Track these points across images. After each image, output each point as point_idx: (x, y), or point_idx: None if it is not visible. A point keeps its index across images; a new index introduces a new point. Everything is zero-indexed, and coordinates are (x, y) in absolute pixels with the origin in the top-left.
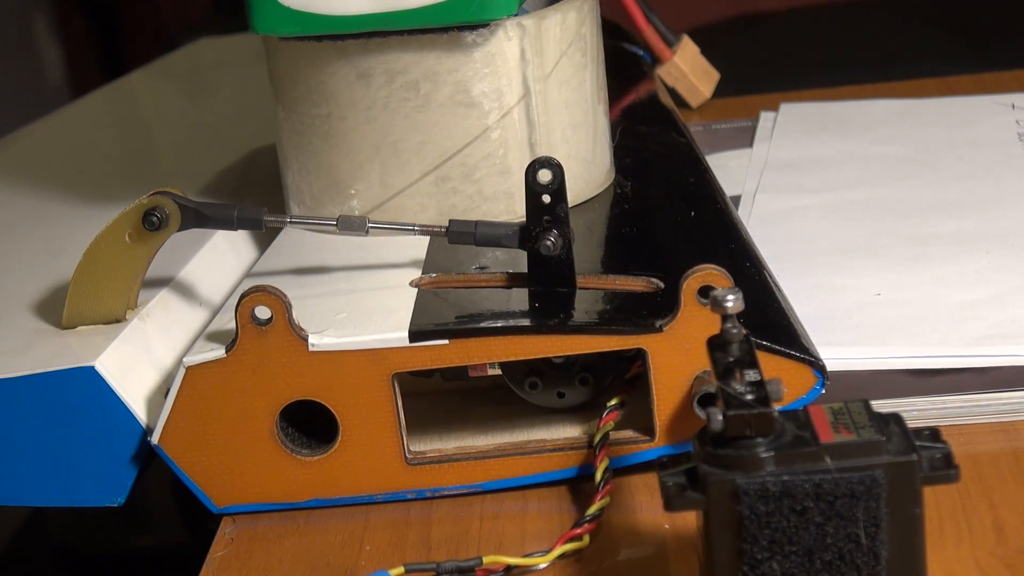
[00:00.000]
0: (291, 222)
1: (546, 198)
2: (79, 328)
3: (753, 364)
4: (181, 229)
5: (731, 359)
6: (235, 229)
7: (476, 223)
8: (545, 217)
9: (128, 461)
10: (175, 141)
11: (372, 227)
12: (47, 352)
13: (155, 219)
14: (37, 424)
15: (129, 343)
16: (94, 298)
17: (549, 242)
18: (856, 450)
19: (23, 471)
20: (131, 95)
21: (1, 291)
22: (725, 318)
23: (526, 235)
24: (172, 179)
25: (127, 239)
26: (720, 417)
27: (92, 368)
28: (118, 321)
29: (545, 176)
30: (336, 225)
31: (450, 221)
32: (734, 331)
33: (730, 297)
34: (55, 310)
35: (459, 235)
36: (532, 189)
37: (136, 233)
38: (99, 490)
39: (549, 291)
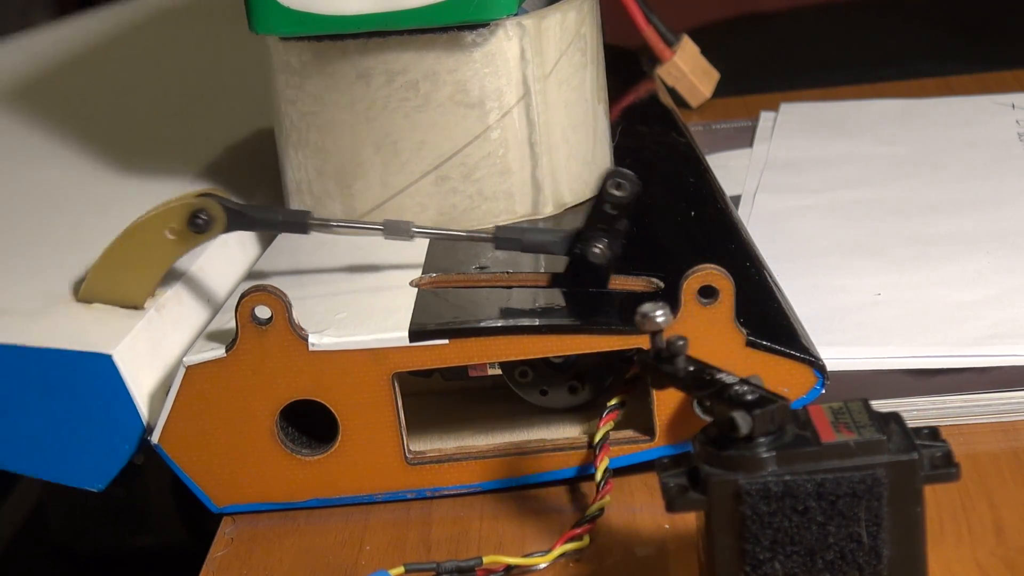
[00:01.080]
0: (337, 225)
1: (612, 210)
2: (95, 304)
3: (717, 369)
4: (226, 231)
5: (692, 368)
6: (280, 232)
7: (523, 230)
8: (601, 226)
9: (119, 452)
10: (182, 103)
11: (417, 232)
12: (64, 325)
13: (201, 221)
14: (39, 395)
15: (145, 334)
16: (117, 280)
17: (598, 249)
18: (857, 449)
19: (13, 436)
20: (140, 31)
21: (13, 238)
22: (655, 335)
23: (574, 241)
24: (181, 147)
25: (168, 233)
26: (749, 418)
27: (109, 357)
28: (136, 308)
29: (621, 190)
30: (382, 230)
31: (496, 228)
32: (680, 343)
33: (659, 312)
34: (67, 273)
35: (505, 242)
36: (604, 197)
37: (179, 230)
38: (84, 472)
39: (546, 291)
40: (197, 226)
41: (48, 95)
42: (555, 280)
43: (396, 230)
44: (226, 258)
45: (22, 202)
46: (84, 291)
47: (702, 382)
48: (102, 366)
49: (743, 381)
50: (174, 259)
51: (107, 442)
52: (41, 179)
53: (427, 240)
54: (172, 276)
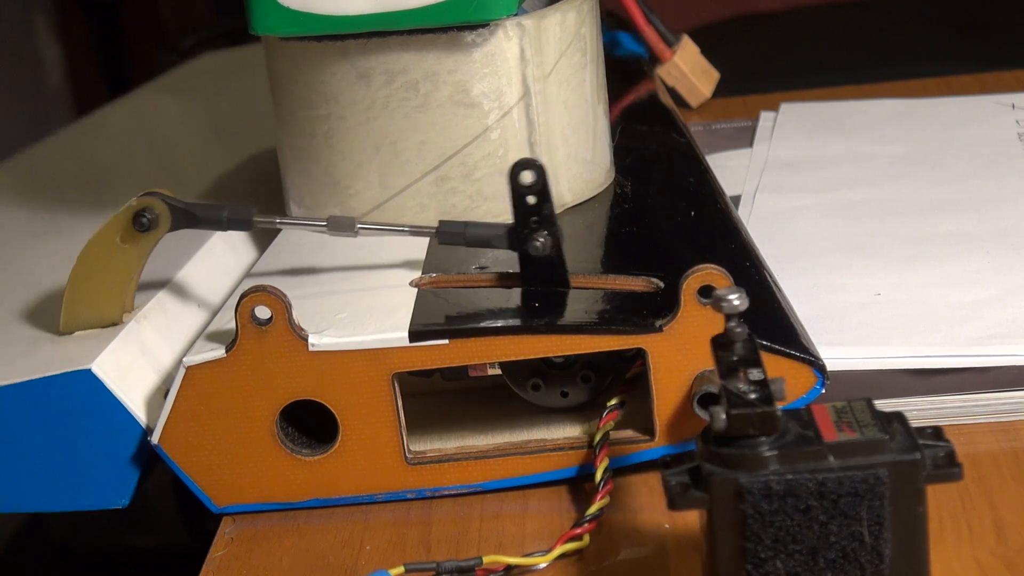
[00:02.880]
0: (280, 223)
1: (531, 199)
2: (77, 333)
3: (757, 363)
4: (172, 230)
5: (735, 358)
6: (225, 229)
7: (466, 224)
8: (533, 218)
9: (130, 462)
10: (180, 155)
11: (362, 228)
12: (44, 358)
13: (145, 220)
14: (37, 430)
15: (126, 344)
16: (89, 302)
17: (538, 243)
18: (860, 449)
19: (26, 477)
20: (136, 110)
21: (2, 303)
22: (729, 317)
23: (515, 236)
24: (178, 191)
25: (119, 241)
26: (723, 416)
27: (89, 371)
28: (115, 324)
29: (527, 178)
30: (326, 226)
31: (440, 222)
32: (738, 330)
33: (733, 296)
34: (53, 318)
35: (449, 235)
36: (516, 191)
37: (127, 235)
38: (103, 492)
39: (546, 290)
40: (142, 225)
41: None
42: (515, 280)
43: (340, 226)
44: (215, 263)
45: (4, 251)
46: (64, 323)
47: (729, 374)
48: (85, 382)
49: (764, 383)
50: (137, 266)
51: (114, 457)
52: (22, 228)
53: (427, 240)
54: (153, 285)
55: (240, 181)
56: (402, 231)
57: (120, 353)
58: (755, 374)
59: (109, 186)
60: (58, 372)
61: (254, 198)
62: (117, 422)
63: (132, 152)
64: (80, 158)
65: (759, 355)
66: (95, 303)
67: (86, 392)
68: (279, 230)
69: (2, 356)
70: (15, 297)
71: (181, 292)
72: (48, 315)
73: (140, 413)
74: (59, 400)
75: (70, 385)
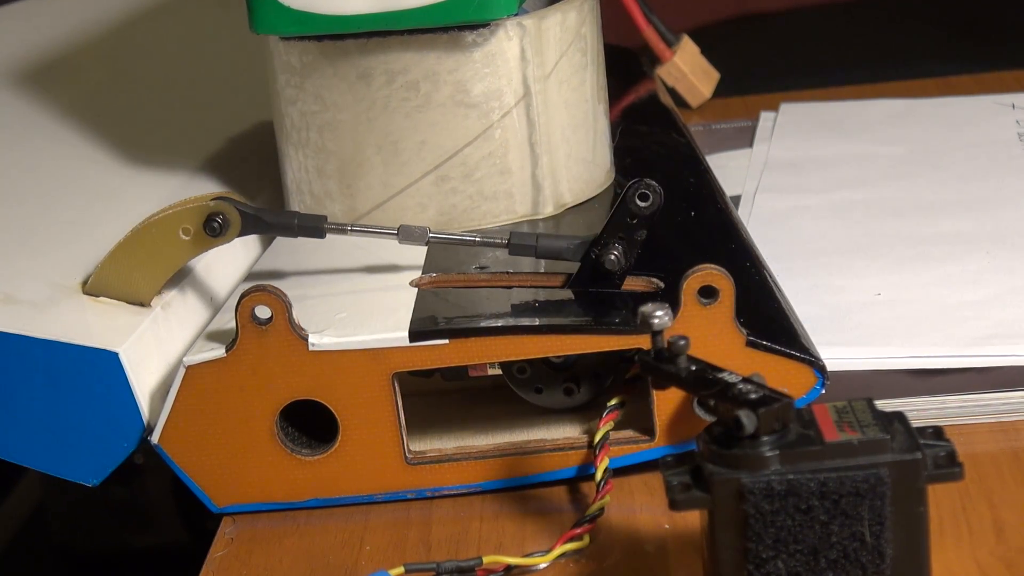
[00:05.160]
0: (352, 229)
1: (632, 219)
2: (102, 299)
3: (716, 368)
4: (241, 235)
5: (695, 367)
6: (295, 236)
7: (537, 236)
8: (620, 235)
9: (117, 449)
10: (188, 95)
11: (433, 238)
12: (70, 318)
13: (216, 225)
14: (42, 386)
15: (151, 332)
16: (127, 276)
17: (614, 256)
18: (861, 449)
19: (13, 425)
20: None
21: (18, 224)
22: (657, 333)
23: (589, 247)
24: (187, 131)
25: (181, 234)
26: (755, 416)
27: (116, 354)
28: (142, 305)
29: (645, 201)
30: (397, 235)
31: (511, 234)
32: (682, 343)
33: (659, 312)
34: (73, 263)
35: (520, 248)
36: (627, 207)
37: (193, 231)
38: (80, 467)
39: (546, 291)
40: (212, 229)
41: (52, 75)
42: (566, 283)
43: (411, 235)
44: (231, 258)
45: (26, 188)
46: (92, 284)
47: (705, 381)
48: (108, 363)
49: (746, 380)
50: (186, 260)
51: (106, 438)
52: (46, 165)
53: None
54: (178, 275)
55: (254, 154)
56: (473, 241)
57: (144, 340)
58: (730, 376)
59: (107, 99)
60: (84, 343)
61: (264, 176)
62: (122, 409)
63: (134, 80)
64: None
65: (705, 360)
66: (132, 279)
67: (105, 372)
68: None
69: (24, 295)
70: (25, 215)
71: (199, 285)
72: (65, 254)
73: (144, 406)
74: (74, 369)
75: (92, 360)
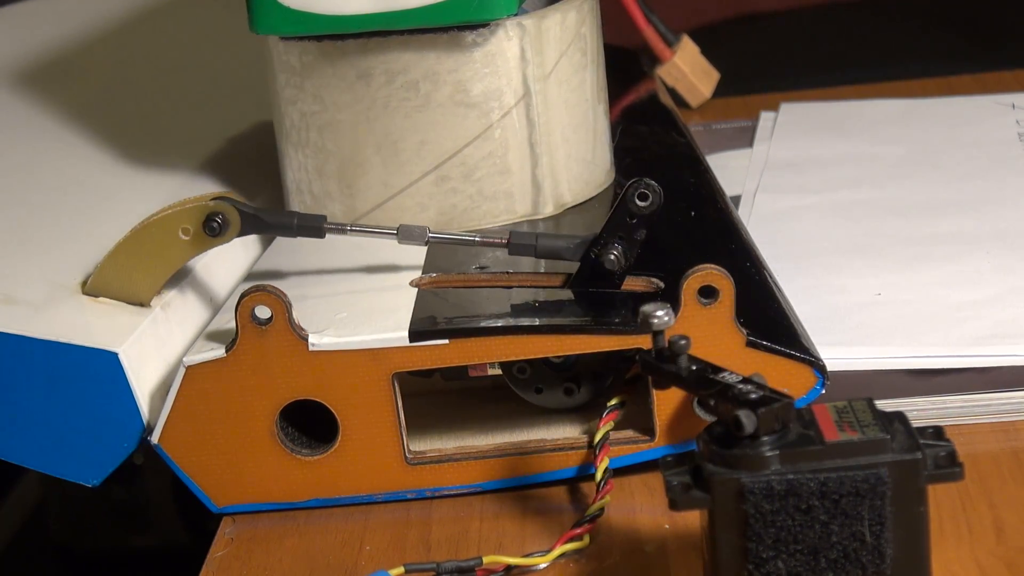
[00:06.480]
0: (351, 229)
1: (631, 219)
2: (101, 299)
3: (718, 368)
4: (240, 235)
5: (695, 367)
6: (295, 236)
7: (537, 235)
8: (620, 234)
9: (117, 449)
10: (186, 96)
11: (433, 237)
12: (70, 318)
13: (216, 225)
14: (41, 387)
15: (150, 333)
16: (126, 276)
17: (614, 256)
18: (861, 448)
19: (12, 425)
20: (139, 30)
21: (18, 224)
22: (658, 333)
23: (589, 247)
24: (187, 132)
25: (181, 234)
26: (754, 417)
27: (115, 355)
28: (142, 305)
29: (644, 201)
30: (396, 235)
31: (510, 233)
32: (683, 343)
33: (660, 312)
34: (72, 263)
35: (519, 248)
36: (627, 206)
37: (193, 232)
38: (80, 467)
39: (546, 291)
40: (212, 229)
41: (51, 75)
42: (566, 283)
43: (411, 235)
44: (230, 258)
45: (26, 188)
46: (92, 284)
47: (705, 381)
48: (107, 363)
49: (746, 380)
50: (185, 260)
51: (105, 438)
52: (45, 164)
53: None
54: (178, 275)
55: (255, 154)
56: (472, 241)
57: (144, 341)
58: (731, 376)
59: (106, 98)
60: (83, 344)
61: (264, 176)
62: (122, 409)
63: (134, 81)
64: (80, 71)
65: (705, 360)
66: (131, 279)
67: (104, 373)
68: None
69: (23, 295)
70: (25, 215)
71: (199, 285)
72: (65, 254)
73: (144, 407)
74: (74, 369)
75: (92, 360)
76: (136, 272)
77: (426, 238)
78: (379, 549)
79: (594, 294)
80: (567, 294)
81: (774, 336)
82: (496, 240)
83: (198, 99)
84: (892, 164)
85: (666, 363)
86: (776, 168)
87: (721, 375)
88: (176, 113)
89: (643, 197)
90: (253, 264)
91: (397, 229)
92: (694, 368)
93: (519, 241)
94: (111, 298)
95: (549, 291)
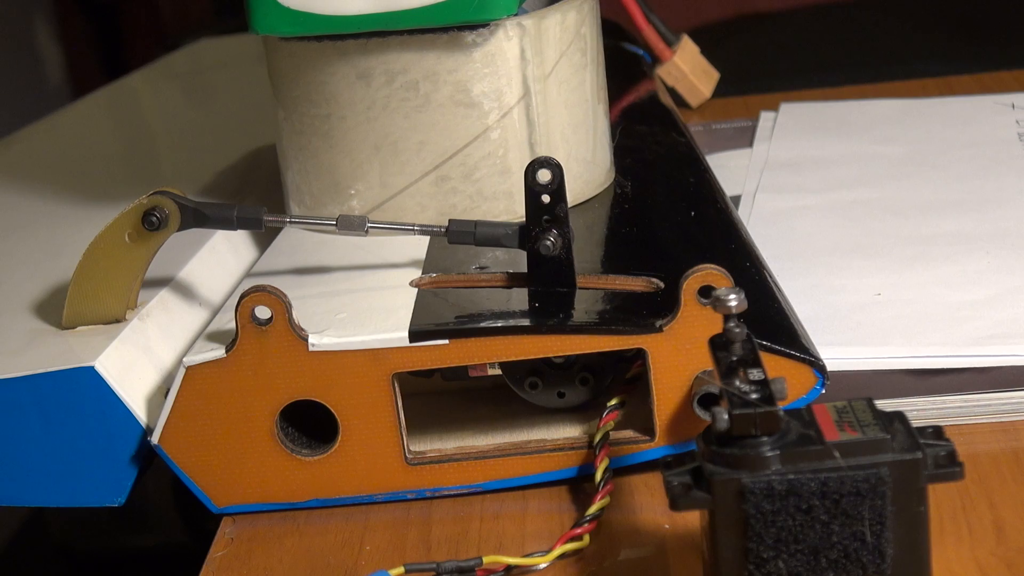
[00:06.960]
0: (291, 221)
1: (545, 198)
2: (79, 328)
3: (757, 363)
4: (181, 229)
5: (734, 358)
6: (235, 229)
7: (476, 223)
8: (545, 217)
9: (128, 461)
10: (176, 141)
11: (371, 227)
12: (47, 352)
13: (155, 219)
14: (37, 424)
15: (129, 343)
16: (94, 298)
17: (549, 242)
18: (861, 448)
19: (23, 471)
20: (132, 95)
21: (1, 292)
22: (728, 317)
23: (526, 235)
24: (173, 180)
25: (127, 239)
26: (726, 416)
27: (92, 368)
28: (118, 321)
29: (544, 176)
30: (336, 225)
31: (450, 221)
32: (737, 330)
33: (732, 296)
34: (55, 311)
35: (459, 235)
36: (532, 189)
37: (136, 233)
38: (99, 490)
39: (549, 291)
40: (152, 223)
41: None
42: (520, 280)
43: (350, 225)
44: (216, 262)
45: (4, 241)
46: (66, 318)
47: (728, 374)
48: (87, 379)
49: (765, 382)
50: (143, 264)
51: (113, 455)
52: (23, 218)
53: (427, 240)
54: (157, 283)
55: (243, 180)
56: (411, 229)
57: (123, 351)
58: (755, 374)
59: (106, 175)
60: (60, 368)
61: (256, 198)
62: (117, 420)
63: (128, 139)
64: (73, 143)
65: (758, 355)
66: (99, 299)
67: (88, 389)
68: (280, 229)
69: (2, 348)
70: (14, 285)
71: (183, 290)
72: (47, 306)
73: (141, 412)
74: (60, 396)
75: (72, 381)
76: (101, 292)
77: (365, 228)
78: (379, 549)
79: (594, 294)
80: (567, 294)
81: (774, 336)
82: (436, 228)
83: (185, 138)
84: (892, 164)
85: (719, 350)
86: (776, 168)
87: (749, 371)
88: (165, 152)
89: (542, 174)
90: (253, 264)
91: (337, 220)
92: (733, 360)
93: (458, 228)
94: (88, 324)
95: (549, 291)
